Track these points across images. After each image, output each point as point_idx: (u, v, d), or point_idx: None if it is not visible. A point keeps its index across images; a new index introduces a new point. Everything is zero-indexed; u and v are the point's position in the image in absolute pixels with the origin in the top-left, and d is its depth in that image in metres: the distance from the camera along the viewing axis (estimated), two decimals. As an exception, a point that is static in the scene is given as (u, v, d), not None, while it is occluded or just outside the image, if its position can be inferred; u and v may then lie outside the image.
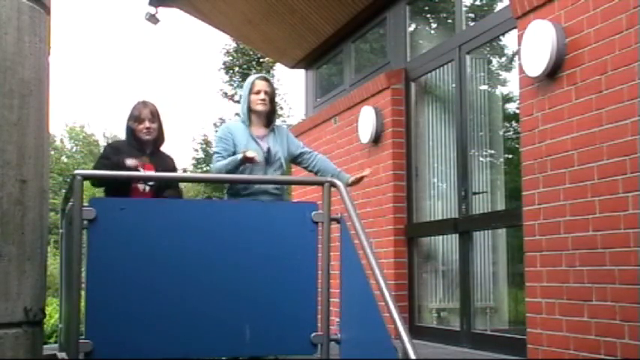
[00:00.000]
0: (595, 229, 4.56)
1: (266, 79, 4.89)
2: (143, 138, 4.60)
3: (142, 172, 4.46)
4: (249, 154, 4.52)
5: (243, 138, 4.66)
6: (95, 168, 4.64)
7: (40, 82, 2.84)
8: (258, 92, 4.74)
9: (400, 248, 7.13)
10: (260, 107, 4.73)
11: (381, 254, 7.00)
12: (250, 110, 4.74)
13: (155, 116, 4.64)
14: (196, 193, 21.65)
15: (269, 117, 4.79)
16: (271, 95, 4.79)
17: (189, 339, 3.50)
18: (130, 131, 4.66)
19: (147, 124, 4.59)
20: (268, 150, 4.69)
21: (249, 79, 4.87)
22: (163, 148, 4.78)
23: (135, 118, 4.62)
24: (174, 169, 4.84)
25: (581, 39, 4.77)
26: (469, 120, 6.46)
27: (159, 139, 4.70)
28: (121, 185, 4.41)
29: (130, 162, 4.43)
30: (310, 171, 4.98)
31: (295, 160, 4.95)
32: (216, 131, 4.70)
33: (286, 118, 24.51)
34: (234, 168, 4.56)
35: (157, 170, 4.54)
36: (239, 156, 4.55)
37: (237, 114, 5.03)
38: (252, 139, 4.67)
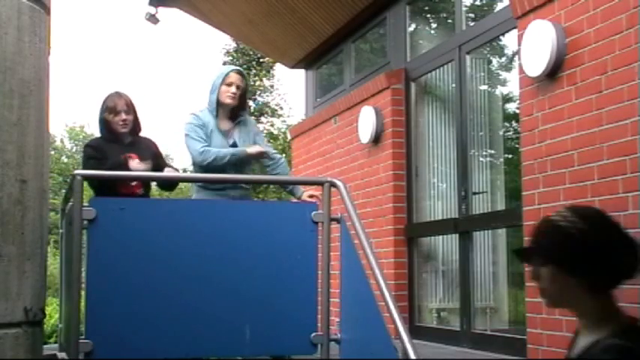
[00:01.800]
0: (595, 229, 4.55)
1: (241, 73, 4.73)
2: (119, 130, 4.48)
3: (140, 173, 4.43)
4: (257, 149, 4.47)
5: (209, 130, 4.56)
6: (85, 161, 4.52)
7: (40, 82, 2.84)
8: (230, 84, 4.58)
9: (400, 248, 7.12)
10: (228, 100, 4.58)
11: (381, 254, 6.99)
12: (218, 102, 4.59)
13: (130, 107, 4.53)
14: (196, 193, 21.61)
15: (234, 111, 4.66)
16: (243, 90, 4.64)
17: (189, 339, 3.50)
18: (104, 123, 4.53)
19: (123, 116, 4.47)
20: (234, 144, 4.60)
21: (224, 69, 4.72)
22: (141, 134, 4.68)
23: (110, 109, 4.49)
24: (158, 151, 4.72)
25: (581, 39, 4.76)
26: (469, 120, 6.46)
27: (135, 128, 4.59)
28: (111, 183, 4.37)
29: (134, 165, 4.36)
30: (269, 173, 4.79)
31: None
32: (188, 122, 4.53)
33: (286, 118, 24.51)
34: (237, 160, 4.49)
35: (141, 158, 4.45)
36: (246, 150, 4.50)
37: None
38: (219, 131, 4.58)
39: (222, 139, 4.58)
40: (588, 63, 4.70)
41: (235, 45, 22.49)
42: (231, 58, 23.02)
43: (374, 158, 7.50)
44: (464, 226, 6.34)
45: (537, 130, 5.12)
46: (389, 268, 6.98)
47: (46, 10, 2.93)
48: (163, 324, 3.48)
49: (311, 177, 8.60)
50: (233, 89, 4.58)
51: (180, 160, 29.94)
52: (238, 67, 5.04)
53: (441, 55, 6.87)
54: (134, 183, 4.44)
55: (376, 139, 7.42)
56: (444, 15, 7.58)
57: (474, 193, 6.39)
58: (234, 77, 4.60)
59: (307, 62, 9.82)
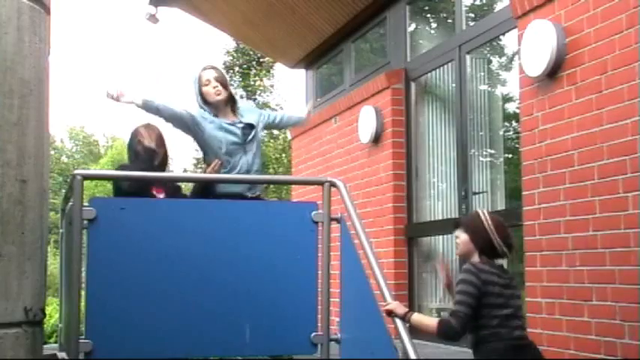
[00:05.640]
0: (595, 229, 4.56)
1: (211, 67, 4.59)
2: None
3: (144, 173, 4.41)
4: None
5: (212, 127, 4.48)
6: (117, 188, 4.39)
7: (40, 82, 2.84)
8: (207, 84, 4.49)
9: (400, 248, 7.13)
10: (217, 97, 4.48)
11: (381, 254, 6.99)
12: (209, 103, 4.50)
13: (161, 142, 4.45)
14: (196, 193, 21.58)
15: (232, 103, 4.57)
16: (222, 80, 4.52)
17: (189, 339, 3.50)
18: (136, 154, 4.44)
19: (153, 146, 4.39)
20: (244, 127, 4.51)
21: (194, 74, 4.58)
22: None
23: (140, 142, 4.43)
24: (179, 188, 4.70)
25: (581, 39, 4.77)
26: (469, 120, 6.46)
27: (163, 162, 4.52)
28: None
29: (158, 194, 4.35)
30: (280, 127, 4.77)
31: (270, 126, 4.84)
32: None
33: (287, 118, 24.43)
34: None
35: (166, 191, 4.41)
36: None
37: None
38: (223, 129, 4.49)
39: (228, 133, 4.48)
40: (588, 63, 4.70)
41: (235, 45, 22.49)
42: (231, 58, 23.03)
43: (374, 158, 7.50)
44: (464, 226, 6.32)
45: (537, 130, 5.12)
46: (389, 268, 6.98)
47: (46, 10, 2.93)
48: (163, 324, 3.48)
49: (311, 177, 8.60)
50: (214, 84, 4.48)
51: (180, 160, 29.98)
52: (206, 64, 4.74)
53: (441, 55, 6.87)
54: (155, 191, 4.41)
55: (376, 139, 7.42)
56: (444, 15, 7.58)
57: (474, 193, 6.39)
58: (206, 75, 4.52)
59: (307, 62, 9.82)
